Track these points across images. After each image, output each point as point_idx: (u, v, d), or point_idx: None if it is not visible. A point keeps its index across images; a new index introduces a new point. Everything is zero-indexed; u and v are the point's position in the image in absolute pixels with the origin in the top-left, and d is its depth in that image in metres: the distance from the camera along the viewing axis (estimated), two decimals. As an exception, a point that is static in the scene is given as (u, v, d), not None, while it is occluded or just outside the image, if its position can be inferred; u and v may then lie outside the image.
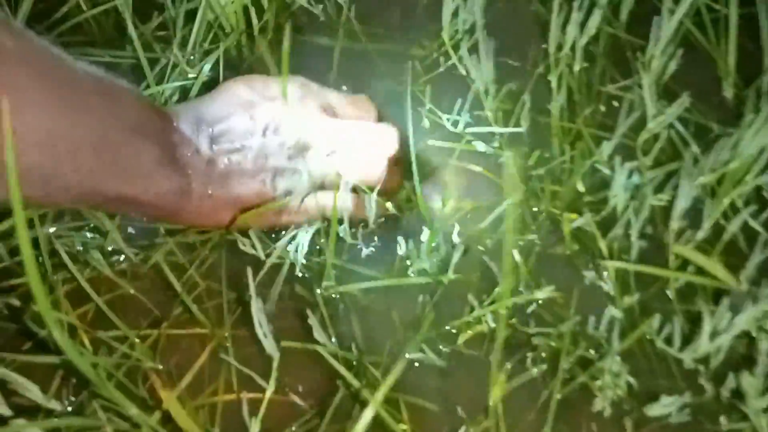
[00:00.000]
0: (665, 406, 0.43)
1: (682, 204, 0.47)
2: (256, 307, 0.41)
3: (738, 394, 0.44)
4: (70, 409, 0.46)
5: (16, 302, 0.46)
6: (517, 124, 0.57)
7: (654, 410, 0.44)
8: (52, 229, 0.50)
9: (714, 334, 0.44)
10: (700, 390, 0.46)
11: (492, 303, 0.47)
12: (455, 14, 0.60)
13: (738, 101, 0.58)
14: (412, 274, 0.50)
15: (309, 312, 0.44)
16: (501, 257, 0.49)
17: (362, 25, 0.63)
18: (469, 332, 0.48)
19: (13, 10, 0.61)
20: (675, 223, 0.48)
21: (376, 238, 0.53)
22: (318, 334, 0.45)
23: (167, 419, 0.45)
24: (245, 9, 0.61)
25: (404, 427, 0.45)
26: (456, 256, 0.48)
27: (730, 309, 0.43)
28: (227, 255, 0.52)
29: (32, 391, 0.43)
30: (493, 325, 0.47)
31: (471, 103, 0.57)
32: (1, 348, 0.47)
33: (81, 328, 0.48)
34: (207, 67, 0.58)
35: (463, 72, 0.60)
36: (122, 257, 0.51)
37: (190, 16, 0.60)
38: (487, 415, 0.45)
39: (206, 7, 0.59)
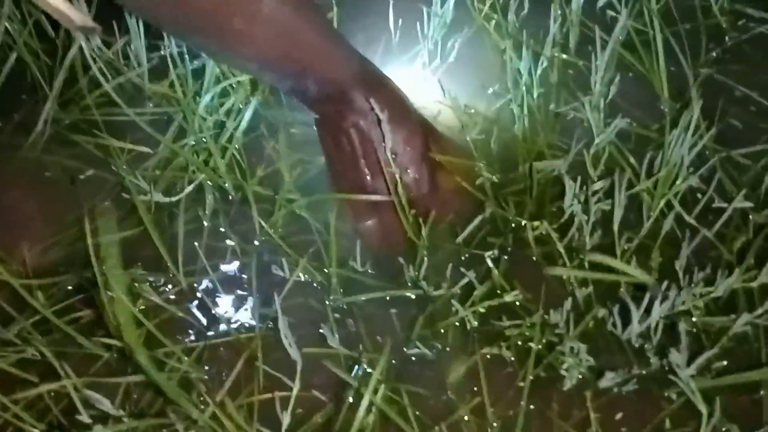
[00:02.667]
0: (611, 379, 0.53)
1: (618, 212, 0.57)
2: (283, 325, 0.51)
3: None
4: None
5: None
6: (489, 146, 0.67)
7: (603, 383, 0.54)
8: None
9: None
10: (648, 363, 0.57)
11: (471, 305, 0.58)
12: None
13: (673, 112, 0.68)
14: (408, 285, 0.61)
15: (323, 325, 0.54)
16: (477, 266, 0.59)
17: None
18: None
19: (48, 83, 0.71)
20: (616, 226, 0.58)
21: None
22: (330, 340, 0.56)
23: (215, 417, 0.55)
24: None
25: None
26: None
27: (653, 298, 0.53)
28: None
29: (104, 404, 0.54)
30: (474, 323, 0.58)
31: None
32: (79, 364, 0.58)
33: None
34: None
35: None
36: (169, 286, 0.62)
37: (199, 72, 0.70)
38: (474, 396, 0.56)
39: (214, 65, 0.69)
